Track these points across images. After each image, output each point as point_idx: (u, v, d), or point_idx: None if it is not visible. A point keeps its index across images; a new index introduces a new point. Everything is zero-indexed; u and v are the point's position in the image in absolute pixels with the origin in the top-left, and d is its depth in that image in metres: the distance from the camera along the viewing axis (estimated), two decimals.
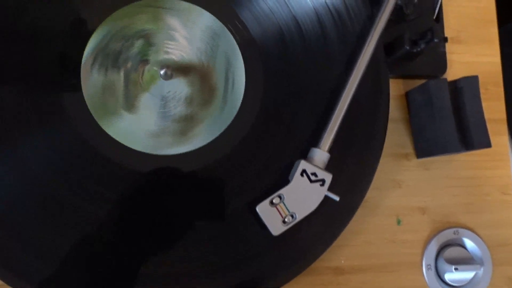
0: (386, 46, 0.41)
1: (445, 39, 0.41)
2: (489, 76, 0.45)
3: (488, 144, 0.38)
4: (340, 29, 0.39)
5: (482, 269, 0.40)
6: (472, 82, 0.39)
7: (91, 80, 0.36)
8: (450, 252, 0.40)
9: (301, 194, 0.34)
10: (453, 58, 0.44)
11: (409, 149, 0.42)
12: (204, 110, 0.36)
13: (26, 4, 0.35)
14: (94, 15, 0.36)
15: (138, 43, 0.37)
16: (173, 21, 0.37)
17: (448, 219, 0.42)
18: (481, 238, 0.41)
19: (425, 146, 0.41)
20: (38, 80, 0.35)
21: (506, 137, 0.44)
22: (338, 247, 0.39)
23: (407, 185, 0.42)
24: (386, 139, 0.38)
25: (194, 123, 0.36)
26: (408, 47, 0.39)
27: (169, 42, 0.37)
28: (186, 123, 0.36)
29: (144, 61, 0.37)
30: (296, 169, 0.35)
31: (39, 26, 0.35)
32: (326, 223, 0.37)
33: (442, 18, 0.43)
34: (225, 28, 0.37)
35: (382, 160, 0.38)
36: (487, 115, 0.39)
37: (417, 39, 0.40)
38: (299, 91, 0.38)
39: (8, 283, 0.33)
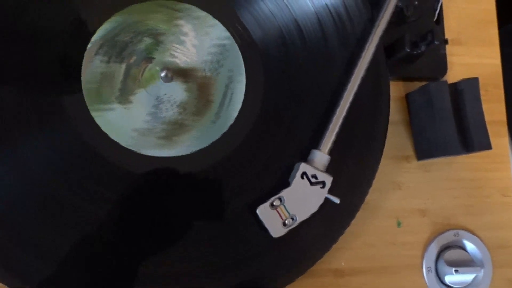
0: (387, 48, 0.41)
1: (446, 41, 0.41)
2: (489, 78, 0.45)
3: (488, 146, 0.38)
4: (341, 31, 0.39)
5: (482, 271, 0.40)
6: (472, 84, 0.39)
7: (93, 65, 0.36)
8: (450, 254, 0.40)
9: (302, 197, 0.34)
10: (454, 60, 0.44)
11: (409, 151, 0.42)
12: (195, 120, 0.36)
13: (26, 4, 0.35)
14: (94, 15, 0.36)
15: (147, 40, 0.36)
16: (186, 27, 0.37)
17: (448, 221, 0.42)
18: (481, 240, 0.41)
19: (426, 148, 0.41)
20: (38, 80, 0.35)
21: (506, 139, 0.44)
22: (339, 249, 0.39)
23: (407, 187, 0.42)
24: (386, 141, 0.38)
25: (182, 130, 0.36)
26: (408, 49, 0.39)
27: (177, 46, 0.37)
28: (174, 128, 0.36)
29: (148, 59, 0.36)
30: (296, 171, 0.35)
31: (39, 26, 0.35)
32: (327, 225, 0.37)
33: (442, 20, 0.43)
34: (235, 45, 0.37)
35: (382, 162, 0.38)
36: (487, 117, 0.39)
37: (418, 41, 0.40)
38: (299, 93, 0.38)
39: (8, 283, 0.33)
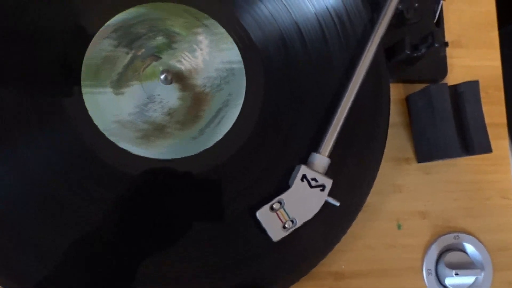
0: (387, 50, 0.41)
1: (446, 44, 0.41)
2: (490, 80, 0.45)
3: (488, 149, 0.38)
4: (341, 34, 0.39)
5: (482, 274, 0.40)
6: (472, 86, 0.39)
7: (101, 45, 0.36)
8: (450, 257, 0.40)
9: (301, 200, 0.34)
10: (454, 62, 0.44)
11: (410, 153, 0.42)
12: (178, 129, 0.36)
13: (26, 4, 0.35)
14: (94, 15, 0.36)
15: (161, 39, 0.37)
16: (203, 39, 0.37)
17: (448, 224, 0.42)
18: (481, 242, 0.41)
19: (426, 150, 0.41)
20: (38, 80, 0.35)
21: (506, 141, 0.44)
22: (339, 252, 0.39)
23: (408, 190, 0.42)
24: (386, 143, 0.38)
25: (161, 135, 0.36)
26: (408, 52, 0.39)
27: (188, 54, 0.37)
28: (155, 130, 0.36)
29: (156, 57, 0.36)
30: (296, 174, 0.35)
31: (39, 26, 0.35)
32: (327, 227, 0.36)
33: (442, 22, 0.43)
34: (243, 72, 0.37)
35: (382, 165, 0.38)
36: (487, 119, 0.39)
37: (418, 43, 0.40)
38: (300, 95, 0.38)
39: (8, 283, 0.33)
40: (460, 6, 0.45)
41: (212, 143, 0.36)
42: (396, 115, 0.43)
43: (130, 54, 0.36)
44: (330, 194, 0.35)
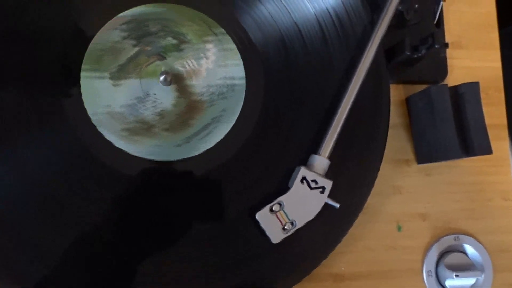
0: (387, 52, 0.41)
1: (446, 45, 0.41)
2: (490, 81, 0.44)
3: (489, 150, 0.38)
4: (341, 35, 0.39)
5: (483, 275, 0.40)
6: (473, 88, 0.39)
7: (110, 33, 0.36)
8: (451, 259, 0.40)
9: (301, 201, 0.34)
10: (454, 63, 0.44)
11: (410, 154, 0.42)
12: (165, 132, 0.36)
13: (26, 4, 0.35)
14: (94, 15, 0.36)
15: (170, 41, 0.36)
16: (211, 49, 0.37)
17: (448, 225, 0.42)
18: (482, 244, 0.41)
19: (426, 151, 0.41)
20: (38, 81, 0.35)
21: (507, 142, 0.44)
22: (339, 254, 0.39)
23: (408, 191, 0.42)
24: (386, 144, 0.38)
25: (147, 134, 0.35)
26: (408, 53, 0.39)
27: (193, 60, 0.37)
28: (142, 128, 0.35)
29: (161, 56, 0.36)
30: (296, 176, 0.35)
31: (39, 26, 0.35)
32: (327, 229, 0.36)
33: (442, 23, 0.43)
34: (243, 91, 0.37)
35: (382, 166, 0.38)
36: (487, 120, 0.39)
37: (418, 44, 0.40)
38: (299, 96, 0.38)
39: (8, 283, 0.33)
40: (460, 7, 0.45)
41: (195, 153, 0.35)
42: (396, 116, 0.43)
43: (137, 49, 0.36)
44: (330, 196, 0.35)
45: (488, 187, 0.43)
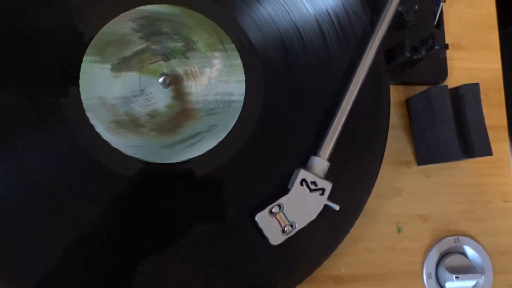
0: (387, 53, 0.41)
1: (446, 46, 0.40)
2: (490, 83, 0.44)
3: (489, 152, 0.38)
4: (341, 36, 0.38)
5: (483, 277, 0.40)
6: (473, 89, 0.39)
7: (122, 25, 0.36)
8: (451, 261, 0.40)
9: (301, 203, 0.34)
10: (454, 64, 0.44)
11: (410, 156, 0.42)
12: (151, 132, 0.35)
13: (26, 4, 0.35)
14: (94, 15, 0.36)
15: (179, 45, 0.36)
16: (217, 62, 0.37)
17: (449, 227, 0.41)
18: (482, 246, 0.41)
19: (426, 153, 0.41)
20: (38, 81, 0.35)
21: (507, 143, 0.44)
22: (338, 256, 0.39)
23: (408, 193, 0.42)
24: (386, 146, 0.38)
25: (133, 130, 0.35)
26: (408, 54, 0.39)
27: (197, 69, 0.36)
28: (130, 123, 0.35)
29: (166, 58, 0.36)
30: (295, 178, 0.35)
31: (39, 26, 0.35)
32: (327, 231, 0.36)
33: (442, 24, 0.43)
34: (239, 109, 0.36)
35: (382, 168, 0.38)
36: (488, 121, 0.38)
37: (418, 45, 0.40)
38: (299, 98, 0.38)
39: (8, 283, 0.33)
40: (460, 8, 0.45)
41: (175, 160, 0.35)
42: (396, 117, 0.43)
43: (144, 45, 0.36)
44: (329, 198, 0.35)
45: (488, 188, 0.43)
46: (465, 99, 0.39)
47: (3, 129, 0.34)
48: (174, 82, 0.36)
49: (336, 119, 0.36)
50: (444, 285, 0.40)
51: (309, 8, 0.38)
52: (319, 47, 0.38)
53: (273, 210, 0.34)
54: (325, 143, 0.35)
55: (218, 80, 0.37)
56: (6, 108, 0.34)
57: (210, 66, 0.37)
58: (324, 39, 0.38)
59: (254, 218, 0.34)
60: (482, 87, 0.39)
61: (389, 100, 0.39)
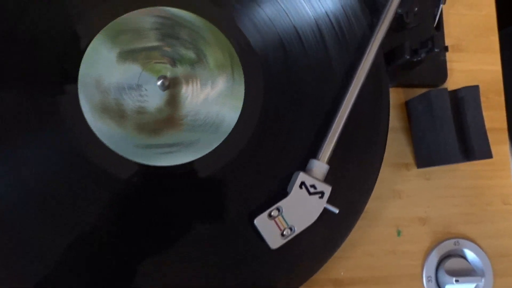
0: (386, 55, 0.40)
1: (446, 48, 0.40)
2: (490, 85, 0.44)
3: (489, 154, 0.38)
4: (340, 38, 0.38)
5: (483, 280, 0.40)
6: (473, 91, 0.39)
7: (144, 18, 0.36)
8: (450, 264, 0.40)
9: (300, 207, 0.34)
10: (454, 66, 0.44)
11: (409, 158, 0.42)
12: (133, 129, 0.35)
13: (26, 5, 0.35)
14: (94, 15, 0.36)
15: (190, 54, 0.37)
16: (221, 84, 0.37)
17: (448, 230, 0.41)
18: (482, 248, 0.41)
19: (426, 155, 0.41)
20: (38, 81, 0.35)
21: (507, 146, 0.44)
22: (338, 259, 0.39)
23: (407, 196, 0.41)
24: (386, 148, 0.38)
25: (117, 120, 0.35)
26: (408, 56, 0.39)
27: (199, 82, 0.36)
28: (115, 113, 0.35)
29: (173, 63, 0.36)
30: (294, 181, 0.34)
31: (39, 27, 0.35)
32: (326, 234, 0.36)
33: (442, 27, 0.43)
34: (226, 134, 0.36)
35: (382, 170, 0.38)
36: (487, 124, 0.38)
37: (418, 48, 0.40)
38: (299, 100, 0.37)
39: (8, 283, 0.33)
40: (460, 10, 0.45)
41: (144, 162, 0.35)
42: (395, 120, 0.43)
43: (157, 43, 0.36)
44: (329, 200, 0.35)
45: (488, 191, 0.43)
46: (465, 101, 0.39)
47: (3, 129, 0.34)
48: (172, 87, 0.36)
49: (336, 121, 0.36)
50: None
51: (308, 11, 0.38)
52: (318, 49, 0.38)
53: (272, 213, 0.34)
54: (324, 146, 0.35)
55: (215, 101, 0.36)
56: (5, 108, 0.34)
57: (213, 84, 0.37)
58: (324, 41, 0.38)
59: (253, 222, 0.34)
60: (482, 89, 0.39)
61: (389, 103, 0.39)
